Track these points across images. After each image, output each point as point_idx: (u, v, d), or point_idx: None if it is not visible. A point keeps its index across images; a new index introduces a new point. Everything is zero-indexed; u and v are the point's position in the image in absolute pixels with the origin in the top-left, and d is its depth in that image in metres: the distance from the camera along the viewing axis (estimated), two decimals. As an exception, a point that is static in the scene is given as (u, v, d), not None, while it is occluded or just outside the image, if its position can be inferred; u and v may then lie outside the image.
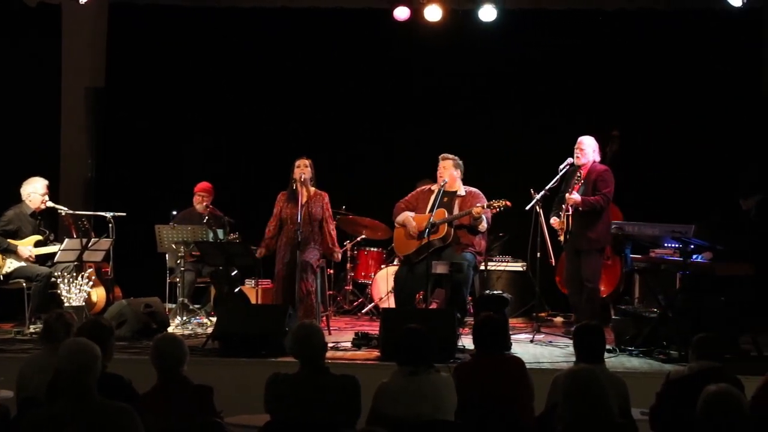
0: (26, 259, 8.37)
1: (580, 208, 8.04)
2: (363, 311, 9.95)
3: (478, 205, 8.11)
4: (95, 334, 4.51)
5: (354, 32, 10.70)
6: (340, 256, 8.79)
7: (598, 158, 8.36)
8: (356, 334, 7.74)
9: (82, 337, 4.23)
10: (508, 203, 8.09)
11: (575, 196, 8.01)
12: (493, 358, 5.11)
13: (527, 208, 8.21)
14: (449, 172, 8.32)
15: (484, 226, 8.22)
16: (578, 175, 8.14)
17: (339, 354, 7.28)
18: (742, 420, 3.63)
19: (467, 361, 5.39)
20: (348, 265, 10.18)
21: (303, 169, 8.36)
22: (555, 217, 8.34)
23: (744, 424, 3.64)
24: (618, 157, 9.21)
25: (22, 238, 8.48)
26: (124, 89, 10.83)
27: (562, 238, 8.33)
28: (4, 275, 8.37)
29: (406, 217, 8.42)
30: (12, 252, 8.35)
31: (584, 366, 4.22)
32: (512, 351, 7.27)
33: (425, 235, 7.98)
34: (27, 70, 10.19)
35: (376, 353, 7.25)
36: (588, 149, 8.27)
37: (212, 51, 10.78)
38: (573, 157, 8.26)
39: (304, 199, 8.31)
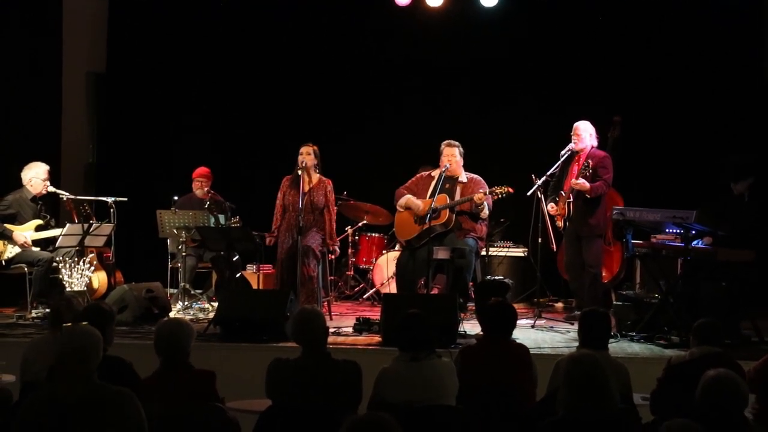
0: (22, 245, 8.37)
1: (588, 195, 8.05)
2: (364, 297, 9.96)
3: (480, 191, 8.11)
4: (96, 319, 4.53)
5: (355, 17, 10.67)
6: (338, 248, 8.72)
7: (595, 143, 8.34)
8: (357, 319, 7.74)
9: (84, 322, 4.24)
10: (510, 189, 8.09)
11: (582, 181, 8.01)
12: (500, 343, 5.13)
13: (528, 193, 8.18)
14: (456, 158, 8.30)
15: (486, 213, 8.22)
16: (587, 164, 8.11)
17: (340, 339, 7.28)
18: (742, 404, 3.64)
19: (473, 345, 5.40)
20: (349, 251, 10.17)
21: (306, 156, 8.33)
22: (552, 203, 8.34)
23: (743, 408, 3.64)
24: (620, 143, 9.19)
25: (21, 223, 8.48)
26: (125, 74, 10.81)
27: (560, 224, 8.34)
28: (5, 260, 8.37)
29: (409, 199, 8.40)
30: (9, 237, 8.35)
31: (586, 351, 4.22)
32: (513, 336, 7.26)
33: (426, 220, 7.97)
34: (28, 55, 10.16)
35: (377, 339, 7.25)
36: (584, 134, 8.27)
37: (213, 35, 10.75)
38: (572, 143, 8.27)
39: (307, 187, 8.29)
